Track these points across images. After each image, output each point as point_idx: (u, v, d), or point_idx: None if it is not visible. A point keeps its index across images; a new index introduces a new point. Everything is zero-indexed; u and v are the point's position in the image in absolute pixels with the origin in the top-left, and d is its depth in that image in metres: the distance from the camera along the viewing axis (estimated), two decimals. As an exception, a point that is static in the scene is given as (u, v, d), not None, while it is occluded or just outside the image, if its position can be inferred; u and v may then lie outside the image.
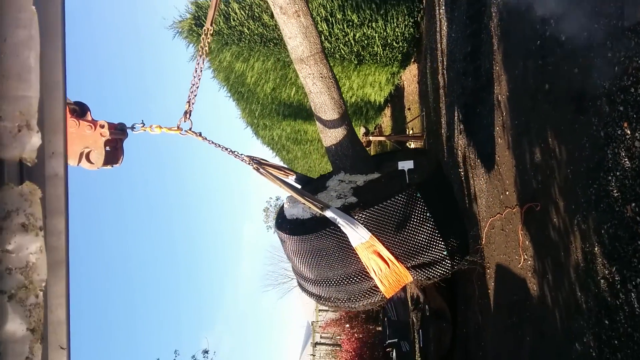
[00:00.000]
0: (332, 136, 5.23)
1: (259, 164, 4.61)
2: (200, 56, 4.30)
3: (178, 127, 4.24)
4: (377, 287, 4.38)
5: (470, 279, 7.66)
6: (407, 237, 4.34)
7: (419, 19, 11.00)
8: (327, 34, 10.61)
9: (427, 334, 10.10)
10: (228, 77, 12.29)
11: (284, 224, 4.93)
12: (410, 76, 12.67)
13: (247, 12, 10.58)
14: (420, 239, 4.35)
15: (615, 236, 4.12)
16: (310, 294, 5.01)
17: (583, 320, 4.55)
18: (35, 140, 1.33)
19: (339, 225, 4.15)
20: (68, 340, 1.34)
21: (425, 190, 4.45)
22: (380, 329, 16.30)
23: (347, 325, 17.56)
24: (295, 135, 15.47)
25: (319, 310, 21.69)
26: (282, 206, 5.23)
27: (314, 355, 20.97)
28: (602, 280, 4.28)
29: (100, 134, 3.99)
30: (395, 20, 10.74)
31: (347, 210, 4.29)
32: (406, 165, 4.80)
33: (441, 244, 4.43)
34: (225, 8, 10.49)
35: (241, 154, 4.54)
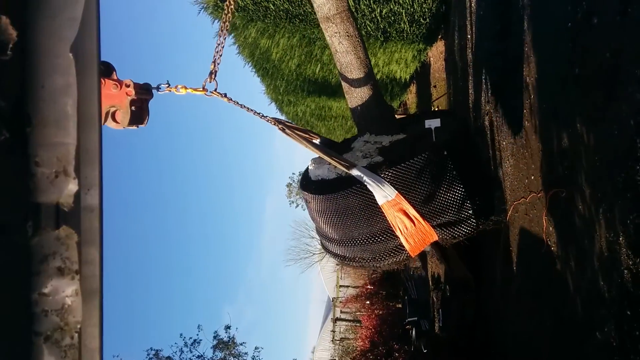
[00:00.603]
0: (357, 96, 5.14)
1: (285, 126, 4.59)
2: (226, 14, 4.25)
3: (203, 88, 4.22)
4: (402, 246, 4.35)
5: (492, 263, 7.64)
6: (433, 196, 4.30)
7: (447, -5, 10.76)
8: (354, 9, 10.45)
9: (447, 313, 10.10)
10: (253, 54, 12.26)
11: (309, 184, 4.91)
12: (437, 53, 12.45)
13: (272, -13, 10.48)
14: (446, 198, 4.30)
15: (642, 227, 4.05)
16: (334, 255, 5.00)
17: (605, 310, 4.51)
18: (72, 186, 1.36)
19: (365, 183, 4.12)
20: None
21: (452, 149, 4.39)
22: (400, 306, 16.41)
23: (367, 302, 17.71)
24: (319, 111, 15.43)
25: (340, 286, 21.90)
26: (307, 168, 5.20)
27: (334, 331, 21.25)
28: (625, 271, 4.22)
29: (126, 93, 4.01)
30: (423, -4, 10.52)
31: (374, 169, 4.25)
32: (433, 123, 4.75)
33: (467, 202, 4.39)
34: (251, -16, 10.40)
35: (266, 116, 4.53)
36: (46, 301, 1.35)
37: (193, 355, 19.49)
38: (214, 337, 20.56)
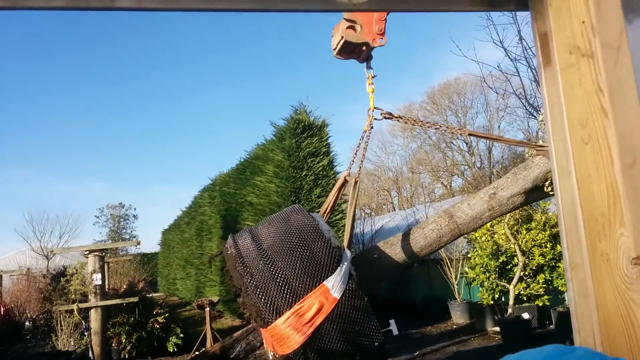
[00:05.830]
0: None
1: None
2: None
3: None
4: (278, 313, 3.80)
5: None
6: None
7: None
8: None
9: None
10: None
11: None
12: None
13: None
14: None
15: None
16: (238, 249, 4.18)
17: None
18: None
19: (340, 265, 3.92)
20: None
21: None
22: None
23: None
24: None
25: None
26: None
27: None
28: None
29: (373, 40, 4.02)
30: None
31: (352, 277, 4.02)
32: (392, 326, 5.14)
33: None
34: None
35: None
36: None
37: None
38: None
